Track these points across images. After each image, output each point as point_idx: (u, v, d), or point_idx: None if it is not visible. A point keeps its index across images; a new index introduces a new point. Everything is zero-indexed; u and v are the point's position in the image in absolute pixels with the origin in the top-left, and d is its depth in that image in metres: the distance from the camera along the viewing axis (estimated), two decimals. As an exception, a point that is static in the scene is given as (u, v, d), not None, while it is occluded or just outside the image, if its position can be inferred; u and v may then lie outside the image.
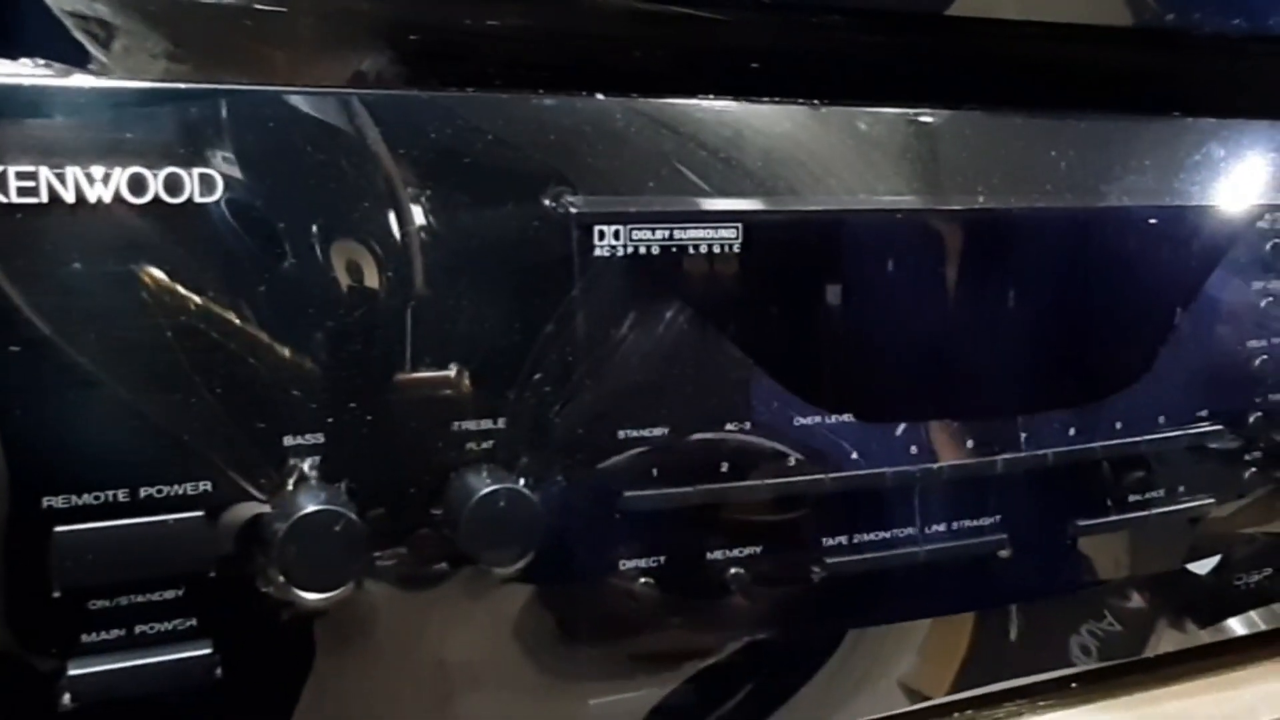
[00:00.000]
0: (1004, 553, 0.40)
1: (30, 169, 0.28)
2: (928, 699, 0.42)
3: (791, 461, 0.36)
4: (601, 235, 0.34)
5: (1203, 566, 0.46)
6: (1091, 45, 0.42)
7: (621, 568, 0.35)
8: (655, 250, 0.34)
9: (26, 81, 0.29)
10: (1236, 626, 0.49)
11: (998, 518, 0.40)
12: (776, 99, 0.37)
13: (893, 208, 0.38)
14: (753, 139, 0.36)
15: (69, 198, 0.28)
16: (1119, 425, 0.42)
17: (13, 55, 0.33)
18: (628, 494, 0.35)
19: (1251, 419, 0.44)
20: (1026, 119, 0.41)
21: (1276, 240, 0.44)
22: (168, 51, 0.33)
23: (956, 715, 0.44)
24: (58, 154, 0.28)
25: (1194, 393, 0.43)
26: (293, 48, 0.35)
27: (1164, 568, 0.45)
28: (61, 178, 0.28)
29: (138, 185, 0.29)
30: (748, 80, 0.38)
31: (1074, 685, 0.46)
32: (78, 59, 0.33)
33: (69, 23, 0.34)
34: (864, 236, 0.38)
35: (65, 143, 0.28)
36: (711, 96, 0.36)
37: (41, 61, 0.34)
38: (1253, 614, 0.49)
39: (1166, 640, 0.47)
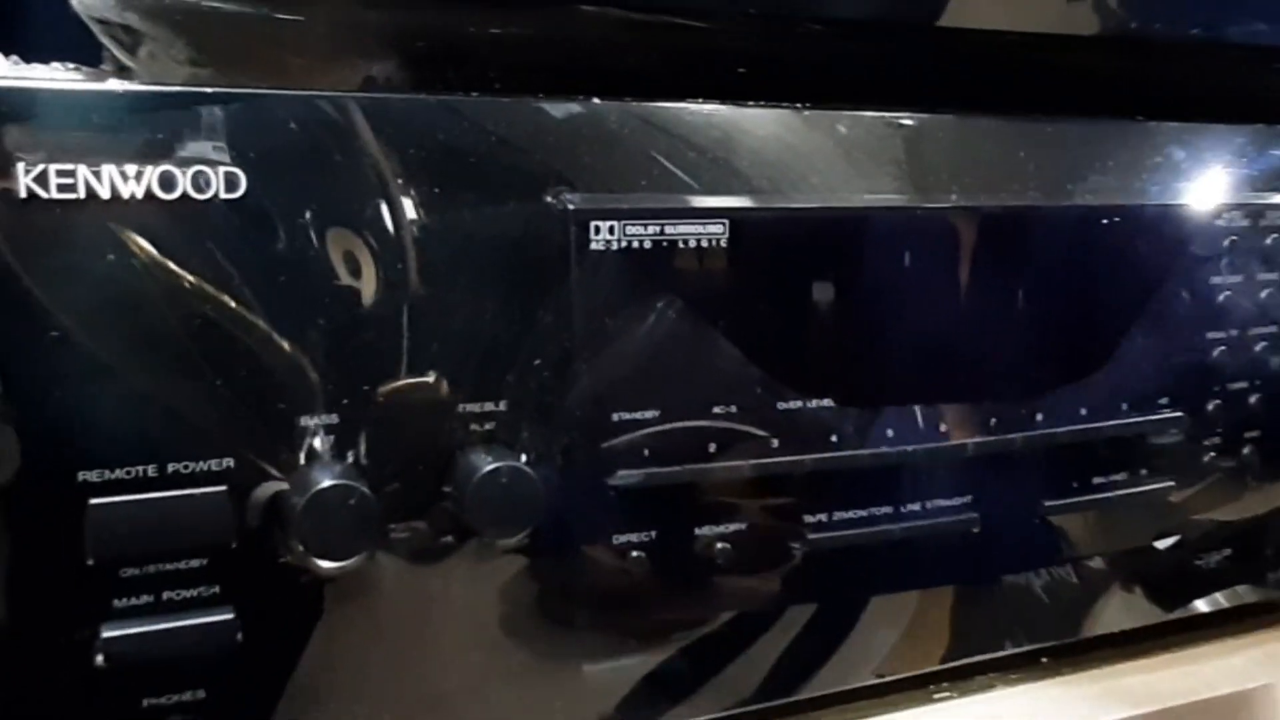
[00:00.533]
0: (975, 530, 0.43)
1: (69, 167, 0.30)
2: (904, 671, 0.45)
3: (774, 443, 0.39)
4: (597, 230, 0.36)
5: (1164, 546, 0.48)
6: (1060, 53, 0.45)
7: (614, 542, 0.37)
8: (647, 244, 0.37)
9: (67, 86, 0.31)
10: (1198, 604, 0.51)
11: (969, 498, 0.43)
12: (762, 103, 0.40)
13: (871, 205, 0.40)
14: (739, 140, 0.39)
15: (104, 194, 0.30)
16: (1084, 411, 0.44)
17: (45, 60, 0.35)
18: (621, 472, 0.37)
19: (1210, 406, 0.47)
20: (997, 122, 0.43)
21: (1234, 237, 0.46)
22: (191, 57, 0.36)
23: (932, 687, 0.46)
24: (94, 154, 0.30)
25: (1156, 382, 0.45)
26: (308, 54, 0.37)
27: (1127, 547, 0.47)
28: (98, 175, 0.30)
29: (167, 182, 0.31)
30: (735, 84, 0.40)
31: (1044, 660, 0.49)
32: (105, 63, 0.36)
33: (96, 29, 0.36)
34: (844, 232, 0.40)
35: (101, 143, 0.30)
36: (701, 100, 0.39)
37: (71, 66, 0.36)
38: (1213, 592, 0.51)
39: (1130, 616, 0.49)
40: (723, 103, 0.39)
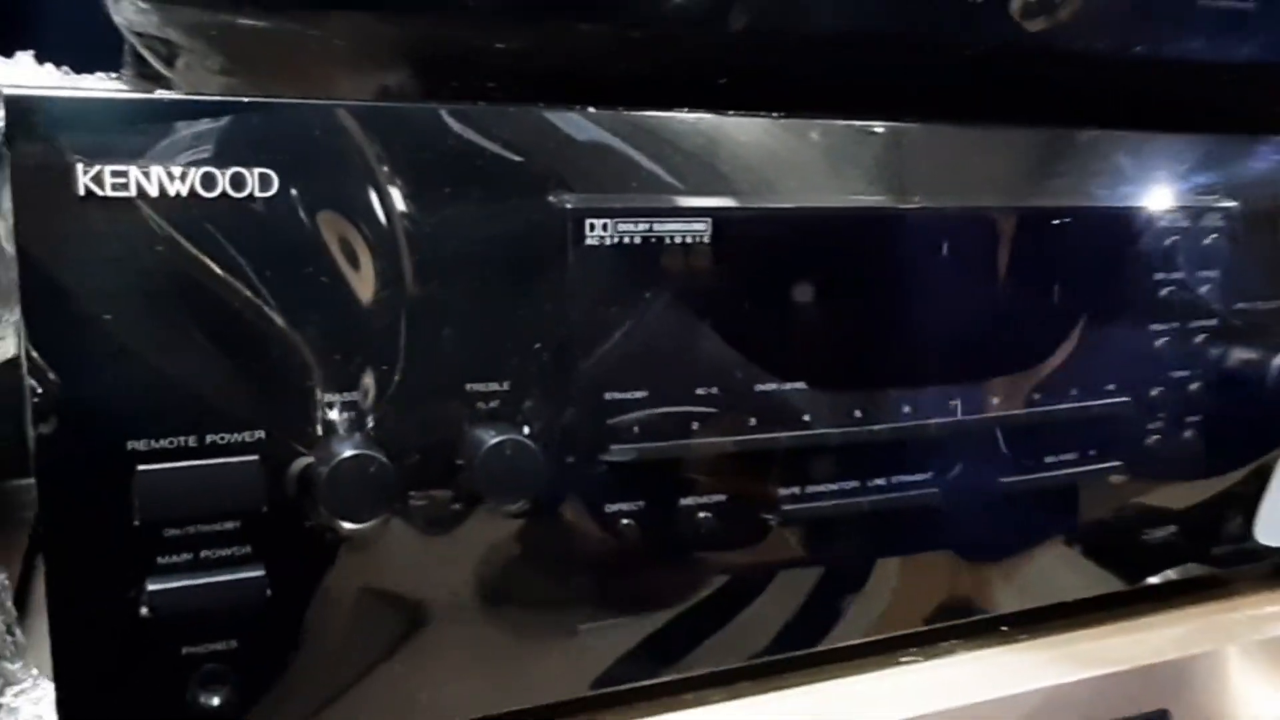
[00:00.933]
0: (936, 505, 0.46)
1: (122, 168, 0.34)
2: (874, 634, 0.48)
3: (752, 422, 0.42)
4: (592, 227, 0.40)
5: (1113, 522, 0.52)
6: (1019, 67, 0.48)
7: (607, 510, 0.41)
8: (637, 240, 0.40)
9: (119, 96, 0.34)
10: (1146, 577, 0.55)
11: (931, 474, 0.46)
12: (743, 112, 0.43)
13: (842, 206, 0.44)
14: (721, 146, 0.42)
15: (153, 192, 0.34)
16: (1037, 396, 0.48)
17: (90, 70, 0.39)
18: (613, 447, 0.41)
19: (1154, 393, 0.50)
20: (958, 129, 0.47)
21: (1175, 238, 0.50)
22: (224, 68, 0.39)
23: (900, 653, 0.50)
24: (144, 157, 0.34)
25: (1104, 370, 0.49)
26: (329, 65, 0.41)
27: (1079, 522, 0.51)
28: (147, 175, 0.34)
29: (208, 182, 0.35)
30: (719, 94, 0.44)
31: (1004, 629, 0.53)
32: (146, 72, 0.39)
33: (136, 42, 0.39)
34: (817, 230, 0.44)
35: (150, 147, 0.34)
36: (687, 109, 0.42)
37: (114, 75, 0.39)
38: (1160, 566, 0.55)
39: (1083, 588, 0.53)
40: (707, 111, 0.42)
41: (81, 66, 0.39)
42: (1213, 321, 0.51)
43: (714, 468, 0.42)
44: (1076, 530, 0.51)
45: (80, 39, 0.39)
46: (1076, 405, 0.49)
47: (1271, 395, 0.52)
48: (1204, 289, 0.51)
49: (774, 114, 0.43)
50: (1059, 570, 0.52)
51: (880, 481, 0.45)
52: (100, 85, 0.36)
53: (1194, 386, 0.51)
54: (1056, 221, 0.48)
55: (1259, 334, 0.52)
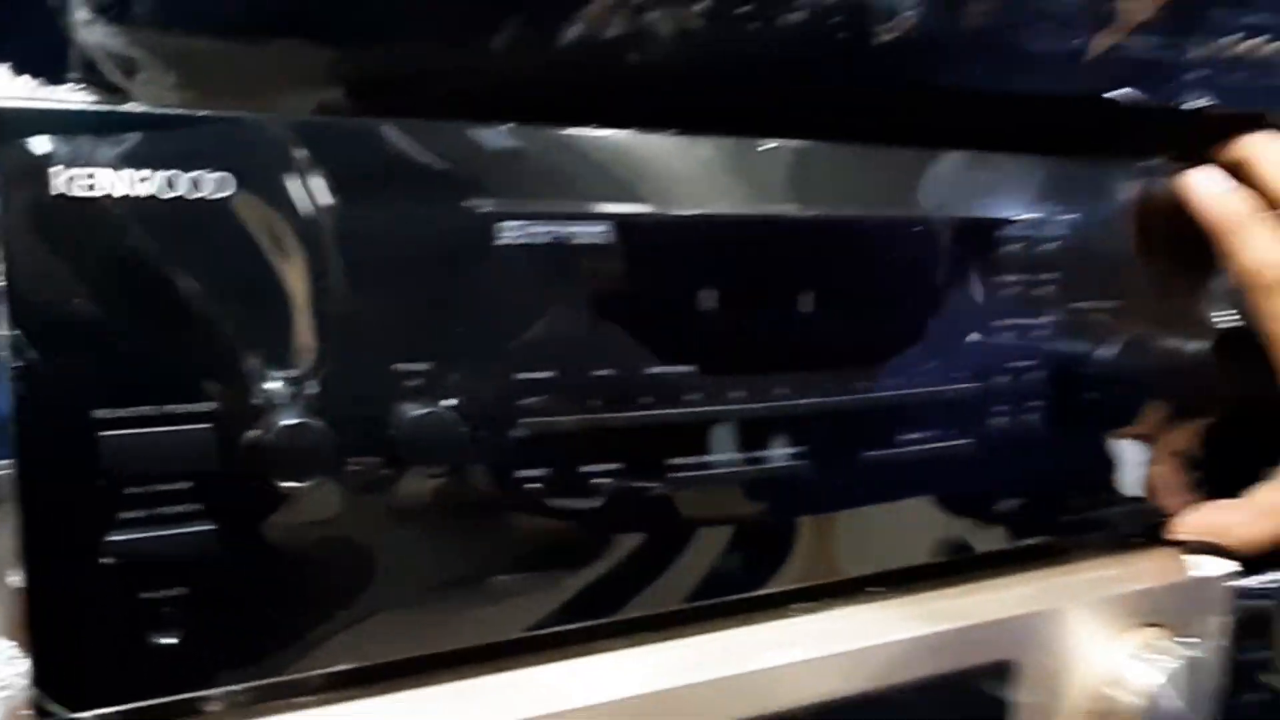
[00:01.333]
0: (807, 476, 0.53)
1: (90, 171, 0.39)
2: (756, 590, 0.55)
3: (644, 400, 0.48)
4: (505, 229, 0.45)
5: (966, 494, 0.59)
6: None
7: (516, 476, 0.46)
8: (545, 241, 0.46)
9: (91, 108, 0.40)
10: (996, 543, 0.62)
11: (804, 448, 0.53)
12: (642, 129, 0.49)
13: (730, 213, 0.50)
14: (623, 159, 0.47)
15: (118, 193, 0.39)
16: (896, 381, 0.55)
17: (60, 81, 0.43)
18: (521, 421, 0.46)
19: (1001, 380, 0.58)
20: (833, 147, 0.54)
21: (1019, 245, 0.57)
22: (179, 83, 0.44)
23: (783, 608, 0.56)
24: (110, 161, 0.39)
25: (954, 359, 0.56)
26: (273, 82, 0.46)
27: (934, 494, 0.58)
28: (113, 178, 0.39)
29: (169, 184, 0.40)
30: (626, 112, 0.50)
31: (869, 589, 0.58)
32: (103, 84, 0.44)
33: (99, 57, 0.44)
34: (708, 234, 0.49)
35: (117, 153, 0.39)
36: (595, 125, 0.47)
37: (81, 86, 0.44)
38: (1009, 532, 0.62)
39: (939, 552, 0.60)
40: (611, 128, 0.48)
41: (51, 78, 0.43)
42: (1049, 318, 0.58)
43: (610, 440, 0.48)
44: (933, 501, 0.58)
45: (40, 51, 0.44)
46: (931, 390, 0.55)
47: (1101, 383, 0.60)
48: (1040, 291, 0.58)
49: (671, 131, 0.49)
50: (918, 536, 0.59)
51: (757, 454, 0.52)
52: (71, 97, 0.41)
53: (1035, 375, 0.59)
54: (917, 229, 0.55)
55: (1091, 329, 0.60)
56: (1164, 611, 0.64)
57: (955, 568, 0.61)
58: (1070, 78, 0.56)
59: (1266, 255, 0.58)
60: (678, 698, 0.49)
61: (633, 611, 0.51)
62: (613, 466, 0.48)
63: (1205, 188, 0.59)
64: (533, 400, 0.46)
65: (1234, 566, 0.65)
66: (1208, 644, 0.65)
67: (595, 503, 0.48)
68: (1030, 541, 0.63)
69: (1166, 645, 0.63)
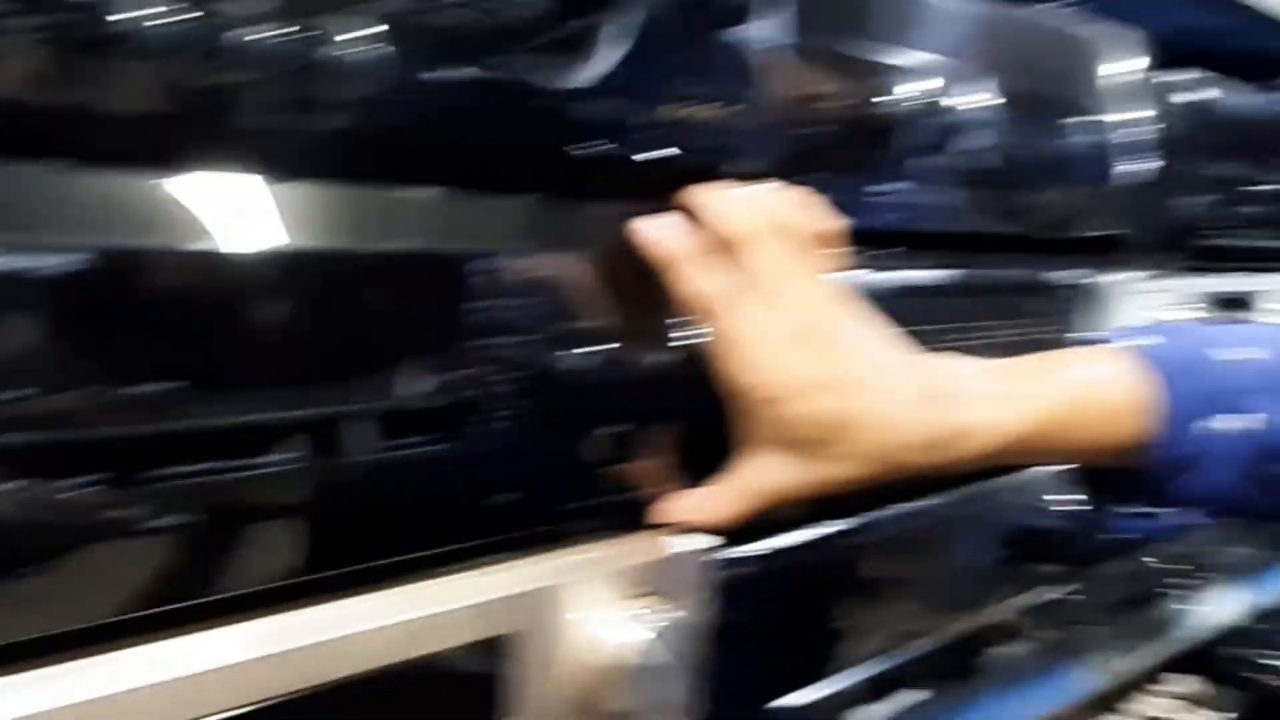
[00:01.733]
0: (309, 475, 0.59)
1: None
2: (254, 587, 0.59)
3: (124, 415, 0.52)
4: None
5: (462, 491, 0.68)
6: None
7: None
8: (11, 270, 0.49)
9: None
10: (499, 532, 0.70)
11: (305, 451, 0.58)
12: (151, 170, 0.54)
13: (228, 251, 0.56)
14: (83, 195, 0.52)
15: None
16: (392, 394, 0.63)
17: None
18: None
19: (482, 390, 0.67)
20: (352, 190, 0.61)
21: (486, 274, 0.67)
22: None
23: (279, 604, 0.59)
24: None
25: (443, 373, 0.64)
26: None
27: (430, 492, 0.66)
28: None
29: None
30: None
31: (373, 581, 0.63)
32: None
33: None
34: (196, 269, 0.55)
35: None
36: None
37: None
38: (507, 523, 0.71)
39: (442, 541, 0.67)
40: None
41: None
42: (517, 339, 0.68)
43: (93, 452, 0.52)
44: (423, 499, 0.66)
45: None
46: (421, 397, 0.64)
47: (585, 392, 0.70)
48: (528, 310, 0.68)
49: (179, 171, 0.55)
50: (424, 526, 0.66)
51: (258, 459, 0.57)
52: None
53: (522, 386, 0.68)
54: (414, 265, 0.63)
55: (573, 346, 0.71)
56: (650, 583, 0.75)
57: (462, 556, 0.68)
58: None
59: (700, 287, 0.71)
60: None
61: (135, 609, 0.54)
62: (98, 476, 0.52)
63: (649, 229, 0.72)
64: (11, 416, 0.49)
65: (713, 541, 0.78)
66: (690, 607, 0.77)
67: (78, 511, 0.52)
68: (532, 529, 0.72)
69: (653, 612, 0.74)
